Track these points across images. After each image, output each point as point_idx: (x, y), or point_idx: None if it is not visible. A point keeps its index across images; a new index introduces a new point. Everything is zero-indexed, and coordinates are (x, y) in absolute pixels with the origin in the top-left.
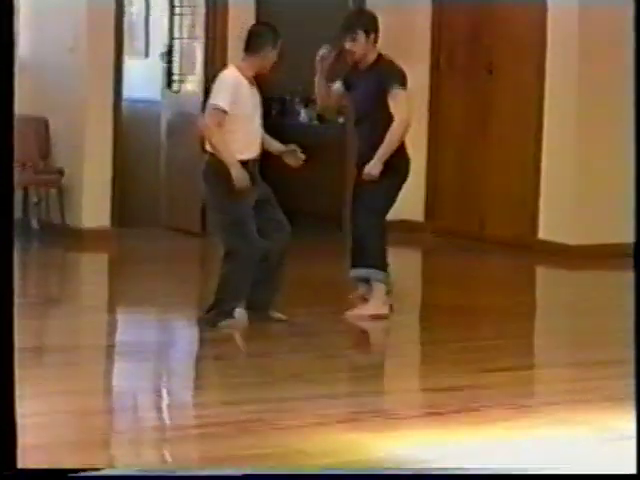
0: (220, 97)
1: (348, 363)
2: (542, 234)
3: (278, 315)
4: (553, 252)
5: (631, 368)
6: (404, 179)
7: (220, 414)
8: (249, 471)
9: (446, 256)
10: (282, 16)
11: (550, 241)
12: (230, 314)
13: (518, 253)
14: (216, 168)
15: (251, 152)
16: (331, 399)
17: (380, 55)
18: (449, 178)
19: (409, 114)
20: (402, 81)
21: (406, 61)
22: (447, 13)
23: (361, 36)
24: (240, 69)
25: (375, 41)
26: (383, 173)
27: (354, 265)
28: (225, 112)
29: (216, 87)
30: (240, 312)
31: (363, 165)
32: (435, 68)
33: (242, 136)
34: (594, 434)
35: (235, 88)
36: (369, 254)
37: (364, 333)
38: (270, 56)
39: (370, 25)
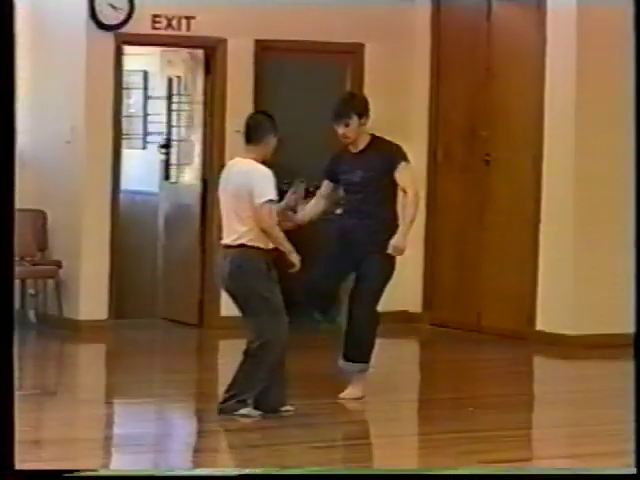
0: (272, 191)
1: (342, 455)
2: (540, 325)
3: (287, 408)
4: (551, 343)
5: (631, 459)
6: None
7: None
8: (249, 471)
9: (444, 347)
10: (280, 105)
11: (548, 332)
12: (246, 403)
13: (516, 344)
14: (255, 259)
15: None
16: None
17: (374, 135)
18: (447, 269)
19: (417, 187)
20: (405, 156)
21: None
22: (444, 106)
23: (354, 121)
24: (256, 161)
25: (365, 124)
26: (382, 254)
27: (351, 359)
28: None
29: (263, 183)
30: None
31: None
32: (432, 160)
33: None
34: None
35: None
36: (366, 349)
37: (359, 424)
38: (272, 143)
39: (362, 109)
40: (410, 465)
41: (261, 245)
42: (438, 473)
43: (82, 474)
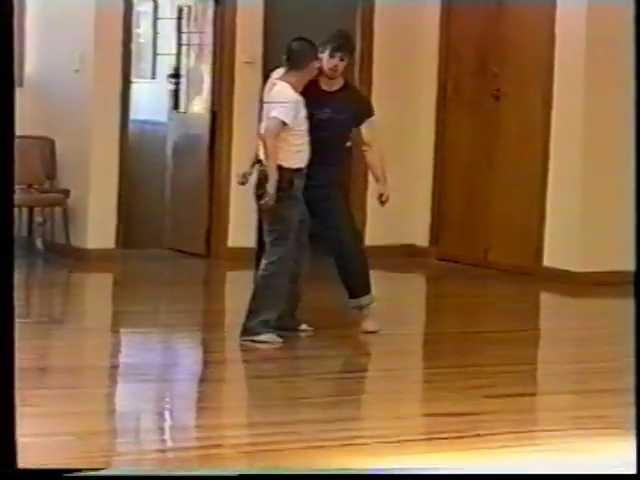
0: (283, 111)
1: (348, 387)
2: (547, 261)
3: (305, 326)
4: (558, 279)
5: (632, 397)
6: None
7: (221, 437)
8: (248, 471)
9: (450, 282)
10: (290, 36)
11: (555, 268)
12: (269, 325)
13: (522, 280)
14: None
15: (305, 162)
16: (332, 423)
17: (347, 81)
18: (454, 204)
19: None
20: (374, 111)
21: (413, 88)
22: (454, 40)
23: (347, 59)
24: (292, 85)
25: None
26: (338, 188)
27: (362, 293)
28: (285, 124)
29: (276, 101)
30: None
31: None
32: (442, 95)
33: (303, 148)
34: (597, 462)
35: (296, 104)
36: (368, 280)
37: (365, 357)
38: (313, 71)
39: (353, 50)
40: (413, 397)
41: (283, 163)
42: (439, 473)
43: (82, 474)
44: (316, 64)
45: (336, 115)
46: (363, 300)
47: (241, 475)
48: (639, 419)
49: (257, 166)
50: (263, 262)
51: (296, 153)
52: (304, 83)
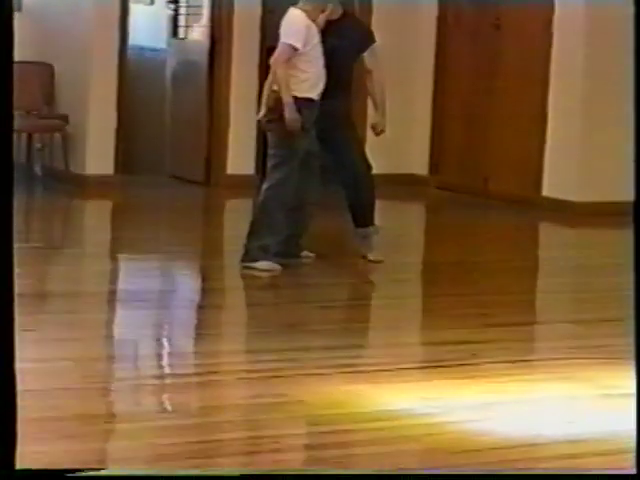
0: (292, 36)
1: (348, 315)
2: (546, 191)
3: (306, 253)
4: (557, 209)
5: (632, 325)
6: None
7: (221, 363)
8: (247, 471)
9: (449, 211)
10: None
11: (554, 198)
12: (267, 251)
13: (522, 210)
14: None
15: (318, 93)
16: (331, 350)
17: (345, 9)
18: (454, 133)
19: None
20: (374, 38)
21: (412, 16)
22: None
23: None
24: (307, 12)
25: None
26: (347, 118)
27: (370, 223)
28: (296, 50)
29: (286, 26)
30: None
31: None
32: (442, 23)
33: (313, 77)
34: (594, 391)
35: (308, 29)
36: (374, 210)
37: (365, 285)
38: (331, 6)
39: None
40: (412, 325)
41: (296, 93)
42: (441, 473)
43: (83, 474)
44: (328, 3)
45: (339, 43)
46: (370, 230)
47: (242, 475)
48: (639, 418)
49: (270, 93)
50: (262, 187)
51: (304, 82)
52: (318, 14)
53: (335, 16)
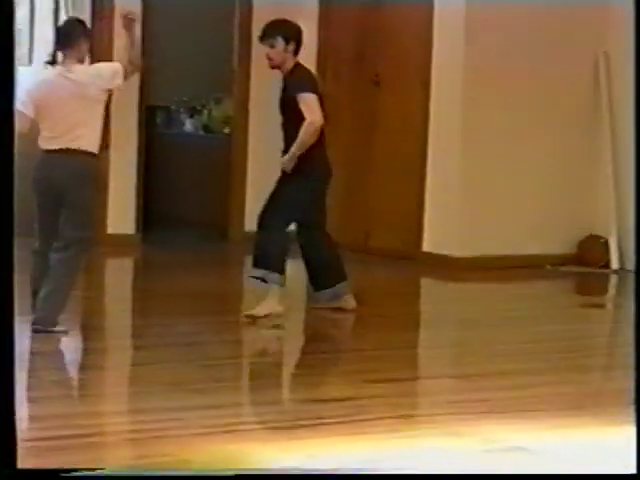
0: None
1: (233, 373)
2: (427, 247)
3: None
4: (438, 264)
5: (515, 379)
6: (320, 182)
7: (104, 424)
8: (244, 471)
9: None
10: (168, 25)
11: (435, 253)
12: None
13: (403, 265)
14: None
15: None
16: (216, 409)
17: (297, 63)
18: (334, 189)
19: (319, 117)
20: (312, 87)
21: None
22: (333, 26)
23: (280, 44)
24: None
25: (295, 51)
26: (296, 174)
27: (254, 265)
28: None
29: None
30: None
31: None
32: (320, 77)
33: None
34: (478, 445)
35: None
36: (268, 254)
37: (250, 343)
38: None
39: (290, 34)
40: (296, 382)
41: None
42: (439, 473)
43: (82, 474)
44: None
45: (286, 97)
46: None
47: (237, 475)
48: (639, 419)
49: None
50: None
51: None
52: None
53: (285, 71)
